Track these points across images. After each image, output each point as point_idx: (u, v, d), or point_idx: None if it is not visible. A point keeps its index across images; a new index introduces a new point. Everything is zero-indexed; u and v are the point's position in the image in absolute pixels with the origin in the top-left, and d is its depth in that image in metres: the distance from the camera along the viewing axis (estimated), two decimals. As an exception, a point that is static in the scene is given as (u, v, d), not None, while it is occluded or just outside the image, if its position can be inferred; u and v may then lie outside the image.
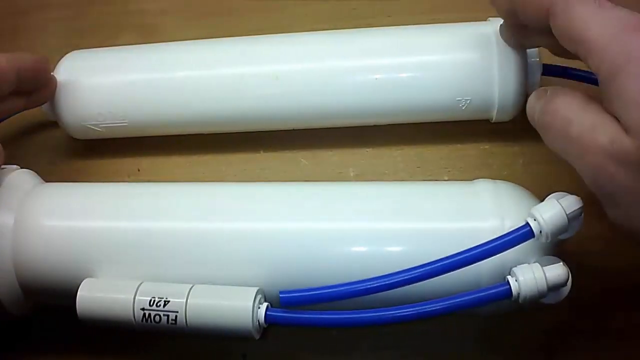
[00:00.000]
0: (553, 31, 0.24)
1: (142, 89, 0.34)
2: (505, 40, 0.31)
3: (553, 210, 0.24)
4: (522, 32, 0.29)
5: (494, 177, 0.30)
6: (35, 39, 0.43)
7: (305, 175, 0.36)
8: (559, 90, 0.25)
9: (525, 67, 0.32)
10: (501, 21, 0.32)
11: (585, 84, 0.32)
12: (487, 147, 0.35)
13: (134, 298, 0.27)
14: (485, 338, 0.32)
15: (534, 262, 0.25)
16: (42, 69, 0.33)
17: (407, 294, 0.25)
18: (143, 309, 0.27)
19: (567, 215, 0.24)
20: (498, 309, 0.27)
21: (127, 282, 0.28)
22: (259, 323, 0.27)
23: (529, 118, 0.26)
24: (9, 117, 0.34)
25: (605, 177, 0.22)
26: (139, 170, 0.37)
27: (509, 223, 0.26)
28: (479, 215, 0.27)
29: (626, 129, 0.21)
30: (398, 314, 0.25)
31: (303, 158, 0.37)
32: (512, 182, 0.29)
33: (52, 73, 0.34)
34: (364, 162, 0.36)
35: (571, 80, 0.33)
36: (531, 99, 0.26)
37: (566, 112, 0.24)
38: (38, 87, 0.33)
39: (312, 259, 0.28)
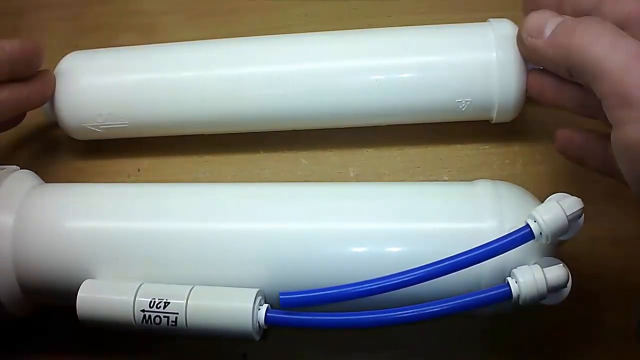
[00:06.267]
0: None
1: (142, 90, 0.34)
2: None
3: (553, 212, 0.24)
4: None
5: (493, 178, 0.30)
6: (35, 39, 0.43)
7: (305, 175, 0.36)
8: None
9: (525, 67, 0.32)
10: (501, 22, 0.32)
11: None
12: (487, 147, 0.35)
13: (134, 300, 0.27)
14: (485, 338, 0.32)
15: (534, 264, 0.25)
16: (31, 50, 0.32)
17: (407, 296, 0.25)
18: (143, 311, 0.27)
19: (567, 216, 0.24)
20: (498, 311, 0.27)
21: (127, 284, 0.28)
22: (259, 324, 0.27)
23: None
24: (16, 113, 0.34)
25: None
26: (139, 170, 0.37)
27: (509, 224, 0.26)
28: (479, 216, 0.27)
29: None
30: (398, 316, 0.25)
31: (303, 158, 0.37)
32: (512, 182, 0.29)
33: (52, 73, 0.34)
34: (364, 162, 0.36)
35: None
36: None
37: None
38: (33, 70, 0.33)
39: (312, 260, 0.28)
